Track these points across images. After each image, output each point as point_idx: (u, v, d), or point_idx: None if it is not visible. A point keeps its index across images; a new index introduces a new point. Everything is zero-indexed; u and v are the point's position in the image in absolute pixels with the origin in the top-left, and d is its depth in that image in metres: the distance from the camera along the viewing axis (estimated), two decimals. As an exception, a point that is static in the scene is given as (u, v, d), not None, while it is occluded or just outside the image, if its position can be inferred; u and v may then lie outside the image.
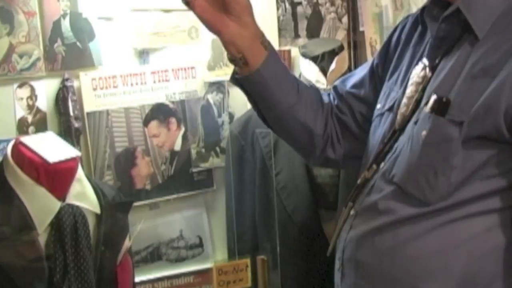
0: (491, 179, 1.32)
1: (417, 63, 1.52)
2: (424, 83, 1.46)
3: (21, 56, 2.42)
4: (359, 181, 1.56)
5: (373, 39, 2.83)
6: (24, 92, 2.45)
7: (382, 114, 1.62)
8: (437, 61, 1.45)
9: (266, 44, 1.62)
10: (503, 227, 1.34)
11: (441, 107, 1.35)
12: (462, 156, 1.32)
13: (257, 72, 1.59)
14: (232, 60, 1.60)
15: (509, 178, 1.31)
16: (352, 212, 1.54)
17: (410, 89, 1.50)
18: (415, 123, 1.43)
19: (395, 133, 1.51)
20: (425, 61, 1.49)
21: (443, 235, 1.36)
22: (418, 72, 1.49)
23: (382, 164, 1.50)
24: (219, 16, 1.54)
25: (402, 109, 1.50)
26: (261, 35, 1.62)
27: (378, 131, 1.61)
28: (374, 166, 1.53)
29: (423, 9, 1.55)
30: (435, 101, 1.37)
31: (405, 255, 1.39)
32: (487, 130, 1.29)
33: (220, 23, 1.55)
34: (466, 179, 1.33)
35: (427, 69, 1.46)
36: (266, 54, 1.60)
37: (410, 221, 1.39)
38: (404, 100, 1.51)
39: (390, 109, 1.58)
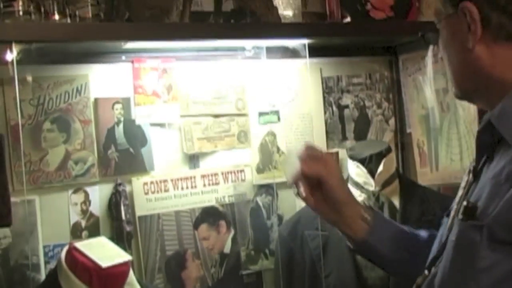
0: None
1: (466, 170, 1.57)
2: (467, 188, 1.49)
3: (76, 163, 2.48)
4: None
5: (421, 140, 2.84)
6: (79, 197, 2.50)
7: (444, 221, 1.64)
8: (479, 167, 1.48)
9: (369, 217, 1.76)
10: None
11: (468, 213, 1.38)
12: (490, 261, 1.32)
13: (363, 242, 1.74)
14: None
15: None
16: None
17: (458, 194, 1.52)
18: (451, 229, 1.46)
19: (446, 239, 1.52)
20: (471, 167, 1.52)
21: None
22: (465, 177, 1.53)
23: (433, 269, 1.51)
24: (321, 205, 1.76)
25: (452, 214, 1.52)
26: (362, 212, 1.77)
27: (437, 237, 1.63)
28: (426, 272, 1.53)
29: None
30: (464, 208, 1.40)
31: None
32: (510, 235, 1.29)
33: (325, 212, 1.78)
34: (496, 284, 1.32)
35: (471, 175, 1.50)
36: (369, 226, 1.75)
37: None
38: (454, 206, 1.53)
39: (448, 215, 1.60)
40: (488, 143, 1.47)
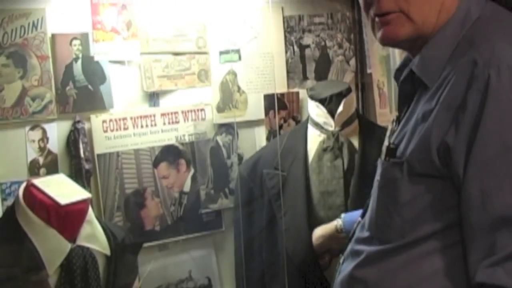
0: (444, 215, 1.40)
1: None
2: (390, 135, 1.57)
3: (33, 99, 2.46)
4: (350, 235, 1.70)
5: (381, 81, 2.86)
6: (36, 134, 2.48)
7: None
8: (402, 114, 1.56)
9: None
10: (459, 261, 1.39)
11: (389, 153, 1.47)
12: (410, 194, 1.42)
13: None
14: None
15: (455, 214, 1.38)
16: (341, 259, 1.67)
17: (384, 144, 1.60)
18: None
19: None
20: (394, 116, 1.63)
21: (409, 272, 1.44)
22: (389, 126, 1.62)
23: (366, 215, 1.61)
24: None
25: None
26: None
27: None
28: (360, 219, 1.66)
29: (396, 70, 1.69)
30: (386, 148, 1.49)
31: None
32: (426, 168, 1.39)
33: None
34: (419, 216, 1.41)
35: (394, 123, 1.59)
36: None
37: (376, 261, 1.49)
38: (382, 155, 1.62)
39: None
40: (409, 92, 1.54)
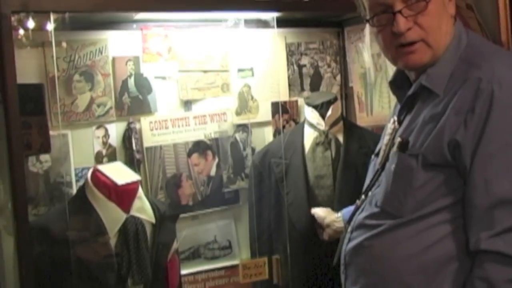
0: (448, 195, 1.41)
1: (390, 120, 1.64)
2: (394, 133, 1.57)
3: (98, 106, 2.50)
4: (353, 209, 1.67)
5: (360, 92, 2.86)
6: (100, 132, 2.52)
7: (373, 159, 1.72)
8: (402, 117, 1.57)
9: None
10: (459, 231, 1.41)
11: (403, 146, 1.47)
12: (423, 180, 1.42)
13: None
14: None
15: (459, 194, 1.39)
16: (349, 229, 1.62)
17: (385, 138, 1.61)
18: (388, 161, 1.53)
19: (378, 171, 1.60)
20: (395, 117, 1.61)
21: (418, 239, 1.44)
22: (390, 125, 1.61)
23: (370, 193, 1.60)
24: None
25: (381, 153, 1.60)
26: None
27: (369, 172, 1.72)
28: (363, 197, 1.63)
29: (390, 83, 1.68)
30: (399, 143, 1.48)
31: (390, 258, 1.47)
32: (437, 159, 1.39)
33: None
34: (429, 196, 1.42)
35: (396, 123, 1.59)
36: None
37: (390, 231, 1.47)
38: (383, 147, 1.61)
39: (377, 154, 1.68)
40: (412, 98, 1.54)
